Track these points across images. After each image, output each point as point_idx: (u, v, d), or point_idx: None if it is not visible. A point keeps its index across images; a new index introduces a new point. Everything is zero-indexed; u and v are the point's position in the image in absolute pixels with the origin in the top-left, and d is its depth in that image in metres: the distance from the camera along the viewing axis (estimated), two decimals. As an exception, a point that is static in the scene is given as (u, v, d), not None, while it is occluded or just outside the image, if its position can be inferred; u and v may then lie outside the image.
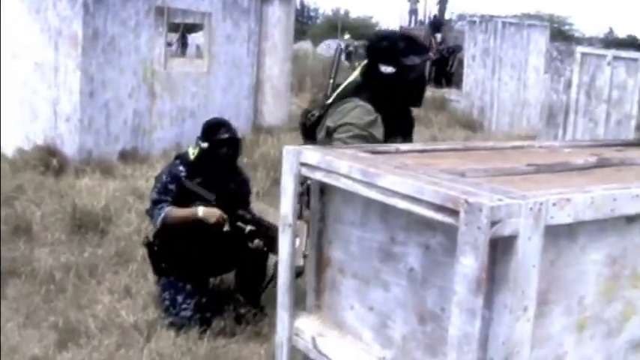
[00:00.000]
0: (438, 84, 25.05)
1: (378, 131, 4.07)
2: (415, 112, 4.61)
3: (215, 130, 5.74)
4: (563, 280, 2.53)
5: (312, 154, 2.96)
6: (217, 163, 5.69)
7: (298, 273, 3.42)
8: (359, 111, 4.10)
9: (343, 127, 4.07)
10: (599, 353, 2.76)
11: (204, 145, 5.65)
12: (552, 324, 2.54)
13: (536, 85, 19.38)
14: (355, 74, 4.43)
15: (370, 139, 3.99)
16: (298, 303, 3.30)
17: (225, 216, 5.60)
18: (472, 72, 20.44)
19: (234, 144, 5.78)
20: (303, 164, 3.00)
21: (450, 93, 22.56)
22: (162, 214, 5.56)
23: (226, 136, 5.72)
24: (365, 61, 4.41)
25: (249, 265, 5.73)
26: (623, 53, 14.59)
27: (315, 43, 37.57)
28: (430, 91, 21.31)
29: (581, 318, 2.64)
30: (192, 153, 5.71)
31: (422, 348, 2.66)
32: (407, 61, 4.20)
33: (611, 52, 14.34)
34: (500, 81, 19.65)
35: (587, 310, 2.65)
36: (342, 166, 2.77)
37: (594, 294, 2.66)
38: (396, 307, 2.76)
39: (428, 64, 22.91)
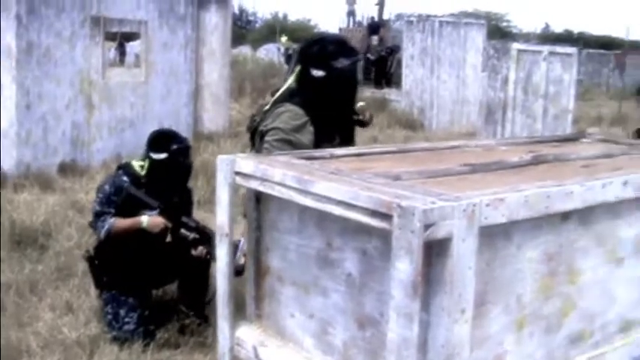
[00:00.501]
0: (378, 85, 25.10)
1: (306, 136, 4.06)
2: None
3: (169, 140, 5.67)
4: (500, 279, 2.54)
5: (246, 162, 2.94)
6: (176, 172, 5.64)
7: (239, 271, 3.40)
8: (287, 115, 4.09)
9: (271, 131, 4.07)
10: (540, 350, 2.78)
11: (161, 156, 5.56)
12: (491, 324, 2.54)
13: (475, 83, 19.45)
14: (291, 79, 4.42)
15: (296, 143, 3.99)
16: (240, 312, 3.27)
17: (169, 225, 5.55)
18: (411, 72, 20.53)
19: (189, 152, 5.75)
20: (237, 173, 2.98)
21: (390, 93, 22.57)
22: (107, 226, 5.48)
23: (183, 145, 5.68)
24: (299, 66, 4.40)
25: (192, 275, 5.67)
26: (558, 49, 14.80)
27: (255, 48, 37.54)
28: (370, 92, 21.36)
29: (520, 316, 2.65)
30: (141, 166, 5.63)
31: (363, 353, 2.65)
32: (336, 64, 4.20)
33: (546, 48, 14.54)
34: (439, 80, 19.76)
35: (525, 308, 2.66)
36: (276, 174, 2.76)
37: (532, 292, 2.67)
38: (336, 313, 2.75)
39: (361, 64, 23.02)
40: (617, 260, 3.04)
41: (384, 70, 25.83)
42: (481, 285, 2.42)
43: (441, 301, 2.31)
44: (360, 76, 22.74)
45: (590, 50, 40.78)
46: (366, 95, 18.46)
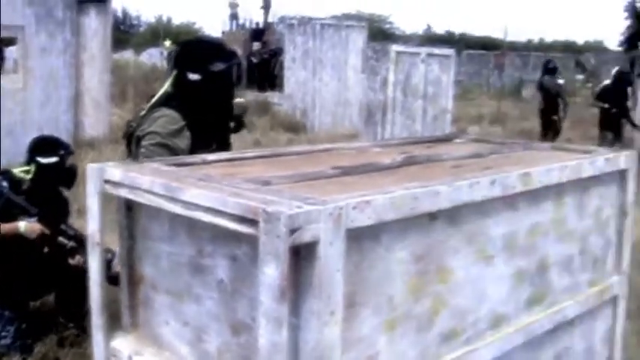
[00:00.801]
0: (261, 88, 25.07)
1: (182, 140, 4.05)
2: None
3: (55, 145, 5.67)
4: (369, 281, 2.56)
5: (114, 171, 2.91)
6: (65, 176, 5.60)
7: (117, 280, 3.36)
8: (164, 120, 4.07)
9: (148, 136, 4.05)
10: (413, 349, 2.81)
11: (52, 160, 5.50)
12: (362, 325, 2.56)
13: (356, 85, 19.67)
14: (167, 83, 4.39)
15: (173, 148, 3.97)
16: (117, 322, 3.23)
17: (47, 232, 5.44)
18: (293, 74, 20.64)
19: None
20: (107, 181, 2.94)
21: (272, 96, 22.56)
22: (-18, 231, 5.35)
23: (69, 150, 5.68)
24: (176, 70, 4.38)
25: (70, 285, 5.57)
26: (437, 50, 15.09)
27: (138, 52, 37.09)
28: (253, 95, 21.33)
29: (391, 317, 2.67)
30: (25, 171, 5.53)
31: (237, 359, 2.64)
32: (212, 67, 4.19)
33: (424, 50, 14.80)
34: (321, 82, 19.90)
35: (396, 308, 2.69)
36: (145, 181, 2.73)
37: (402, 292, 2.70)
38: (210, 320, 2.73)
39: (244, 68, 23.00)
40: (486, 258, 3.10)
41: (267, 73, 25.82)
42: (350, 287, 2.44)
43: (310, 304, 2.32)
44: (243, 79, 22.74)
45: (471, 51, 41.61)
46: (249, 99, 18.42)
